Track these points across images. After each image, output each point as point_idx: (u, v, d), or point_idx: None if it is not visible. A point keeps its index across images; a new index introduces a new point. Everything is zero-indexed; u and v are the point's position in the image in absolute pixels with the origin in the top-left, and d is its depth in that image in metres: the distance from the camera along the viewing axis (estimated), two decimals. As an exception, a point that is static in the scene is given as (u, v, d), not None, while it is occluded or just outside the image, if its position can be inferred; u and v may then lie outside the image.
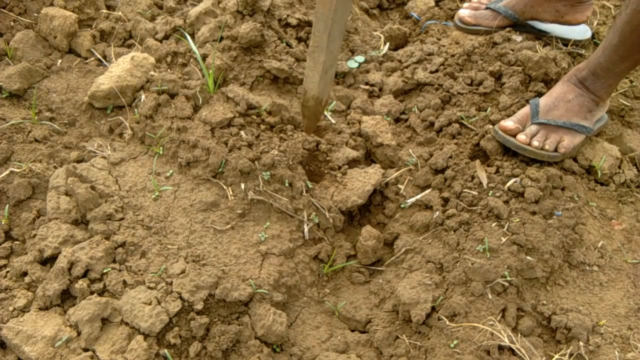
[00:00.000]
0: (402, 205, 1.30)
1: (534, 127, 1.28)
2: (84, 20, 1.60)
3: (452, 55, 1.55)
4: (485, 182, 1.25)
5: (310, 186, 1.29)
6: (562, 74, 1.46)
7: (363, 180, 1.32)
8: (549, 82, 1.45)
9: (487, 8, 1.61)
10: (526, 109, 1.32)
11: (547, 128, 1.28)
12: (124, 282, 1.10)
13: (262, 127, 1.35)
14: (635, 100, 1.49)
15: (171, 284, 1.10)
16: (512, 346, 1.06)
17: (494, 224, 1.18)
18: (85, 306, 1.05)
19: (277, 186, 1.25)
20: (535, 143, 1.26)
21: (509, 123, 1.29)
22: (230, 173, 1.26)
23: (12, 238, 1.21)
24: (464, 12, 1.63)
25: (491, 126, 1.35)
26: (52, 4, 1.59)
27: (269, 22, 1.50)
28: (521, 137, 1.27)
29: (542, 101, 1.31)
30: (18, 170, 1.25)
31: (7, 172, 1.25)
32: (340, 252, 1.26)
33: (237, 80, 1.44)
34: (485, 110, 1.40)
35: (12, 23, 1.56)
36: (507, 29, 1.57)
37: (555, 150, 1.26)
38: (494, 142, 1.31)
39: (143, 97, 1.38)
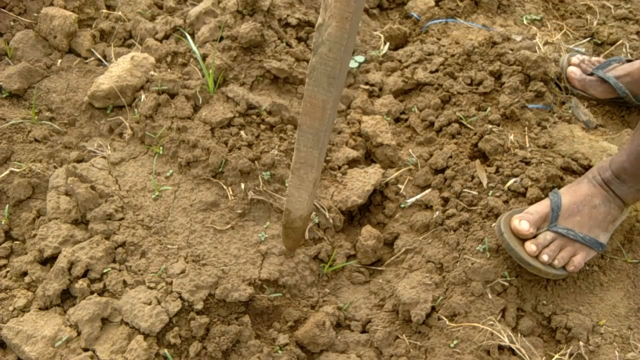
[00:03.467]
0: (402, 205, 1.30)
1: (549, 236, 1.11)
2: (84, 20, 1.60)
3: (452, 55, 1.55)
4: (485, 181, 1.25)
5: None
6: (562, 74, 1.45)
7: (363, 180, 1.32)
8: (548, 82, 1.45)
9: (592, 74, 1.45)
10: (545, 206, 1.14)
11: (564, 239, 1.11)
12: (124, 282, 1.10)
13: (262, 127, 1.35)
14: (635, 100, 1.49)
15: (171, 283, 1.10)
16: (512, 346, 1.05)
17: (494, 224, 1.17)
18: (85, 306, 1.05)
19: (277, 186, 1.25)
20: (544, 257, 1.09)
21: (524, 225, 1.11)
22: (230, 173, 1.26)
23: (12, 238, 1.21)
24: (574, 72, 1.46)
25: (489, 125, 1.35)
26: (52, 4, 1.59)
27: (269, 22, 1.50)
28: (531, 247, 1.10)
29: (565, 199, 1.14)
30: (18, 170, 1.25)
31: (7, 172, 1.25)
32: (340, 252, 1.26)
33: (237, 80, 1.44)
34: (485, 110, 1.40)
35: (12, 23, 1.56)
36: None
37: (564, 267, 1.11)
38: (492, 142, 1.31)
39: (143, 97, 1.38)
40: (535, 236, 1.12)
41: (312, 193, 0.88)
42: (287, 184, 0.85)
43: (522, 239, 1.11)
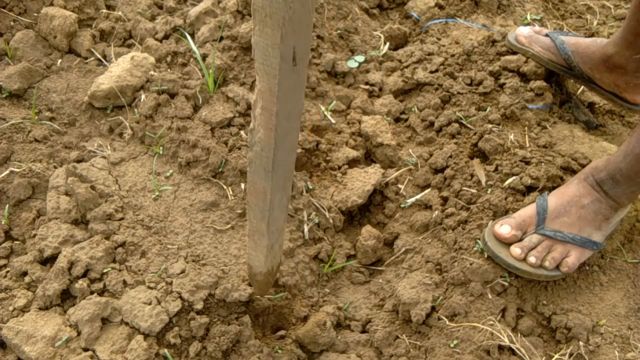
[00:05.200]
0: (402, 205, 1.30)
1: (535, 238, 1.09)
2: (84, 20, 1.60)
3: (452, 55, 1.55)
4: (483, 180, 1.25)
5: (310, 186, 1.29)
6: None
7: (363, 180, 1.32)
8: (548, 80, 1.45)
9: (546, 35, 1.44)
10: (530, 210, 1.12)
11: (552, 241, 1.09)
12: (124, 282, 1.10)
13: (262, 127, 1.35)
14: (635, 100, 1.49)
15: (171, 283, 1.10)
16: (512, 346, 1.05)
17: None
18: (85, 306, 1.05)
19: (277, 186, 1.25)
20: (531, 259, 1.06)
21: (505, 229, 1.09)
22: (230, 173, 1.26)
23: (12, 238, 1.21)
24: (523, 31, 1.45)
25: (489, 125, 1.35)
26: (52, 4, 1.59)
27: (269, 22, 1.50)
28: (515, 250, 1.08)
29: (552, 201, 1.11)
30: (18, 170, 1.25)
31: (7, 172, 1.25)
32: (340, 252, 1.26)
33: (237, 80, 1.44)
34: (485, 110, 1.40)
35: (12, 23, 1.56)
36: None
37: (557, 267, 1.08)
38: (492, 142, 1.31)
39: (143, 97, 1.38)
40: (521, 240, 1.10)
41: (267, 256, 0.94)
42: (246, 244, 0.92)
43: (508, 244, 1.10)
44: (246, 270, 1.13)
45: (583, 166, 1.30)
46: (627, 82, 1.31)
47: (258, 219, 0.88)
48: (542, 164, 1.26)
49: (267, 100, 0.68)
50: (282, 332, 1.14)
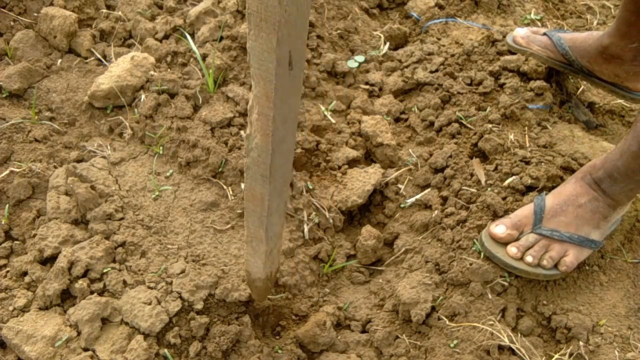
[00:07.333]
0: (402, 205, 1.30)
1: (531, 237, 1.09)
2: (84, 20, 1.60)
3: (452, 55, 1.55)
4: (483, 179, 1.25)
5: (310, 186, 1.29)
6: (563, 73, 1.45)
7: (363, 180, 1.32)
8: (548, 80, 1.45)
9: (544, 34, 1.44)
10: (527, 210, 1.12)
11: (549, 240, 1.09)
12: (124, 282, 1.10)
13: (262, 127, 1.35)
14: (635, 100, 1.49)
15: (171, 283, 1.10)
16: (512, 346, 1.05)
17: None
18: (85, 306, 1.05)
19: (277, 186, 1.25)
20: (528, 258, 1.06)
21: (500, 229, 1.09)
22: (230, 173, 1.26)
23: (12, 238, 1.21)
24: (521, 32, 1.46)
25: (489, 125, 1.35)
26: (52, 4, 1.59)
27: (269, 21, 1.50)
28: (512, 249, 1.08)
29: (549, 201, 1.11)
30: (18, 170, 1.25)
31: (7, 172, 1.25)
32: (340, 252, 1.26)
33: (237, 80, 1.44)
34: (485, 110, 1.40)
35: (12, 23, 1.56)
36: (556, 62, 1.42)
37: (555, 266, 1.08)
38: (492, 142, 1.31)
39: (143, 96, 1.38)
40: (517, 240, 1.11)
41: (266, 261, 0.96)
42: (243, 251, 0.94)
43: (504, 244, 1.10)
44: (244, 276, 1.13)
45: (583, 166, 1.30)
46: (627, 71, 1.31)
47: (256, 225, 0.88)
48: (542, 163, 1.26)
49: (263, 106, 0.68)
50: (281, 333, 1.15)
